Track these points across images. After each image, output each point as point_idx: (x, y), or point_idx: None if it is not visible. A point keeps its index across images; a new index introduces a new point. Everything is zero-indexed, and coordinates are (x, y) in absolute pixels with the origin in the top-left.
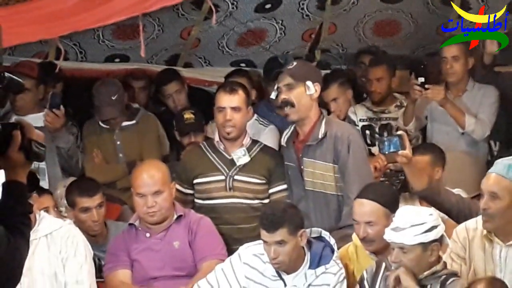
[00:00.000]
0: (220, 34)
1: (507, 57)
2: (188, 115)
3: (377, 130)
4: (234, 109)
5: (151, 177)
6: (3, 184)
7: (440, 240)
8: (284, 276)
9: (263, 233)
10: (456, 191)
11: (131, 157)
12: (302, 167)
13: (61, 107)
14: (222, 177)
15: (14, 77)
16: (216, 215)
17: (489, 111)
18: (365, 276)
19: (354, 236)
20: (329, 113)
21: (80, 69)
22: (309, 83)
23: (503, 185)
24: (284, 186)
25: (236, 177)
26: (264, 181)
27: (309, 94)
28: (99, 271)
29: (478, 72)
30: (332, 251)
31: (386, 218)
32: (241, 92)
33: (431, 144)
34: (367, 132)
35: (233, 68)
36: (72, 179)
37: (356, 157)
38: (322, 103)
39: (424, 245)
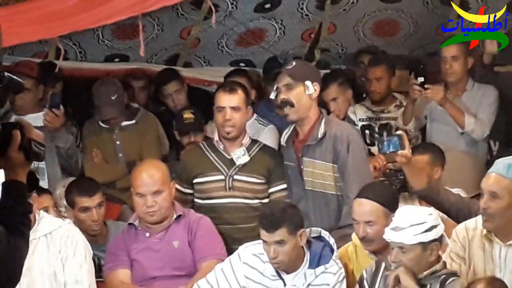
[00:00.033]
0: (220, 34)
1: (507, 57)
2: (187, 115)
3: (376, 129)
4: (234, 108)
5: (150, 176)
6: (3, 184)
7: (439, 240)
8: (284, 275)
9: (263, 232)
10: (456, 190)
11: (131, 156)
12: (301, 166)
13: (61, 106)
14: (222, 177)
15: (13, 76)
16: (216, 214)
17: (488, 111)
18: (365, 275)
19: (353, 235)
20: (328, 113)
21: (79, 69)
22: (308, 83)
23: (503, 185)
24: (284, 186)
25: (235, 176)
26: (263, 181)
27: (308, 94)
28: (98, 270)
29: (477, 72)
30: (332, 250)
31: (386, 218)
32: (240, 92)
33: (430, 143)
34: (367, 131)
35: (232, 68)
36: (71, 179)
37: (355, 156)
38: (322, 103)
39: (424, 245)
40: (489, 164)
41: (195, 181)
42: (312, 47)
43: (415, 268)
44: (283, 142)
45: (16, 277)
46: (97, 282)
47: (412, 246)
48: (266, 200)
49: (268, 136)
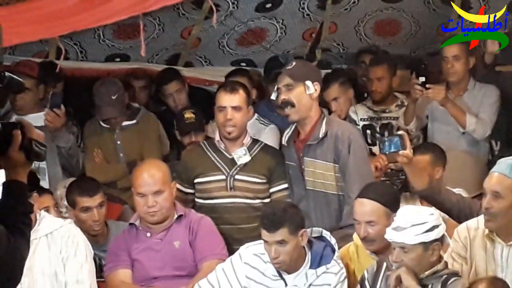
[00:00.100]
0: (221, 34)
1: (508, 57)
2: (188, 115)
3: (378, 129)
4: (235, 108)
5: (151, 176)
6: (4, 184)
7: (441, 240)
8: (285, 275)
9: (264, 232)
10: (457, 190)
11: (132, 156)
12: (303, 166)
13: (62, 106)
14: (223, 177)
15: (14, 76)
16: (217, 215)
17: (490, 110)
18: (366, 276)
19: (355, 235)
20: (330, 112)
21: (80, 69)
22: (308, 82)
23: (506, 185)
24: (285, 185)
25: (236, 176)
26: (264, 181)
27: (309, 94)
28: (99, 270)
29: (479, 71)
30: (333, 250)
31: (387, 218)
32: (241, 92)
33: (431, 143)
34: (368, 131)
35: (233, 68)
36: (72, 179)
37: (356, 156)
38: (323, 103)
39: (425, 245)
40: (490, 164)
41: (196, 181)
42: (313, 46)
43: (417, 268)
44: (284, 142)
45: (17, 277)
46: (98, 282)
47: (413, 246)
48: (267, 200)
49: (269, 136)
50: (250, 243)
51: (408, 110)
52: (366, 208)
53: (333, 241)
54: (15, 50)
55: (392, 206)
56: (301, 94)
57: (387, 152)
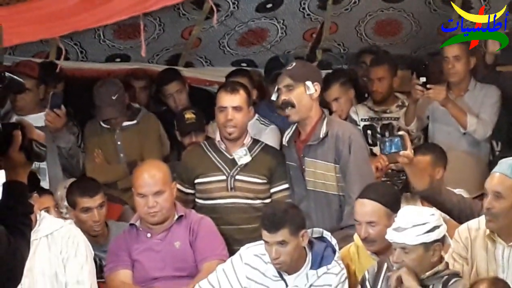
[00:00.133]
0: (221, 34)
1: (509, 57)
2: (189, 115)
3: (378, 130)
4: (236, 108)
5: (152, 177)
6: (4, 184)
7: (442, 240)
8: (286, 276)
9: (264, 233)
10: (458, 191)
11: (132, 157)
12: (303, 167)
13: (62, 107)
14: (223, 177)
15: (14, 77)
16: (217, 215)
17: (490, 111)
18: (367, 276)
19: (355, 236)
20: (330, 113)
21: (81, 69)
22: (308, 83)
23: (507, 185)
24: (286, 186)
25: (237, 177)
26: (265, 181)
27: (309, 94)
28: (100, 271)
29: (480, 71)
30: (334, 251)
31: (388, 218)
32: (242, 92)
33: (432, 144)
34: (369, 132)
35: (234, 68)
36: (72, 180)
37: (357, 156)
38: (324, 103)
39: (426, 245)
40: (491, 164)
41: (196, 181)
42: (313, 47)
43: (418, 269)
44: (285, 142)
45: (17, 278)
46: (98, 282)
47: (414, 247)
48: (268, 200)
49: (269, 136)
50: (250, 243)
51: (409, 111)
52: (367, 209)
53: (333, 241)
54: (16, 50)
55: (393, 206)
56: (301, 94)
57: (387, 153)
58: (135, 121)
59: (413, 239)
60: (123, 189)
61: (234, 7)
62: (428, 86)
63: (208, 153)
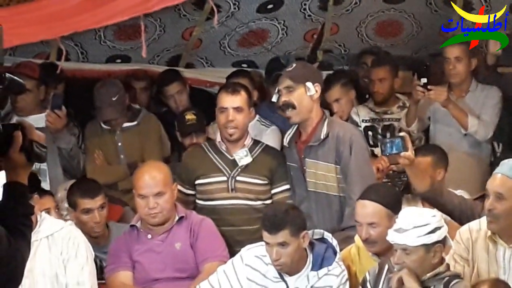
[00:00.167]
0: (222, 35)
1: (510, 58)
2: (189, 116)
3: (379, 131)
4: (236, 109)
5: (152, 178)
6: (4, 185)
7: (443, 242)
8: (286, 277)
9: (265, 234)
10: (459, 192)
11: (133, 158)
12: (304, 167)
13: (63, 107)
14: (224, 178)
15: (15, 77)
16: (218, 216)
17: (492, 112)
18: (368, 277)
19: (356, 237)
20: (331, 113)
21: (81, 70)
22: (309, 84)
23: (509, 186)
24: (287, 186)
25: (238, 178)
26: (266, 182)
27: (310, 95)
28: (100, 272)
29: (481, 73)
30: (335, 252)
31: (389, 220)
32: (243, 93)
33: (433, 145)
34: (370, 133)
35: (234, 69)
36: (72, 182)
37: (358, 157)
38: (325, 104)
39: (427, 247)
40: (492, 165)
41: (197, 182)
42: (314, 48)
43: (419, 270)
44: (285, 143)
45: (17, 279)
46: (98, 284)
47: (415, 248)
48: (269, 201)
49: (270, 137)
50: (251, 245)
51: (410, 112)
52: (368, 210)
53: (334, 243)
54: (16, 51)
55: (394, 207)
56: (302, 95)
57: (388, 154)
58: (135, 122)
59: (414, 240)
60: (124, 190)
61: (234, 8)
62: (429, 87)
63: (209, 154)
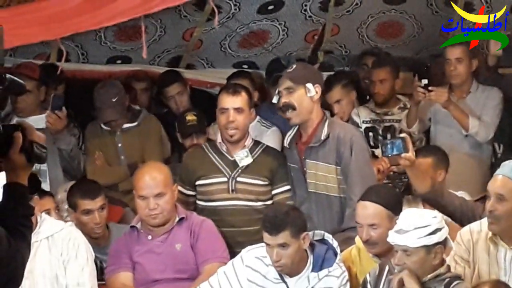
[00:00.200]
0: (223, 36)
1: (511, 59)
2: (190, 117)
3: (380, 132)
4: (237, 110)
5: (153, 179)
6: (4, 186)
7: (443, 243)
8: (287, 279)
9: (266, 235)
10: (460, 193)
11: (133, 159)
12: (305, 168)
13: (63, 108)
14: (225, 179)
15: (15, 78)
16: (218, 217)
17: (492, 113)
18: (368, 279)
19: (357, 238)
20: (332, 115)
21: (81, 71)
22: (309, 85)
23: (510, 187)
24: (288, 187)
25: (238, 178)
26: (267, 183)
27: (310, 96)
28: (100, 273)
29: (482, 74)
30: (335, 254)
31: (389, 221)
32: (244, 94)
33: (433, 146)
34: (370, 134)
35: (235, 70)
36: (72, 183)
37: (358, 158)
38: (326, 105)
39: (428, 248)
40: (493, 166)
41: (197, 183)
42: (315, 49)
43: (419, 271)
44: (286, 144)
45: (18, 279)
46: (99, 285)
47: (416, 249)
48: (269, 202)
49: (271, 138)
50: (251, 246)
51: (411, 113)
52: (368, 211)
53: (335, 244)
54: (16, 52)
55: (395, 209)
56: (302, 97)
57: (389, 155)
58: (136, 123)
59: (415, 241)
60: (124, 191)
61: (235, 9)
62: (430, 88)
63: (209, 154)
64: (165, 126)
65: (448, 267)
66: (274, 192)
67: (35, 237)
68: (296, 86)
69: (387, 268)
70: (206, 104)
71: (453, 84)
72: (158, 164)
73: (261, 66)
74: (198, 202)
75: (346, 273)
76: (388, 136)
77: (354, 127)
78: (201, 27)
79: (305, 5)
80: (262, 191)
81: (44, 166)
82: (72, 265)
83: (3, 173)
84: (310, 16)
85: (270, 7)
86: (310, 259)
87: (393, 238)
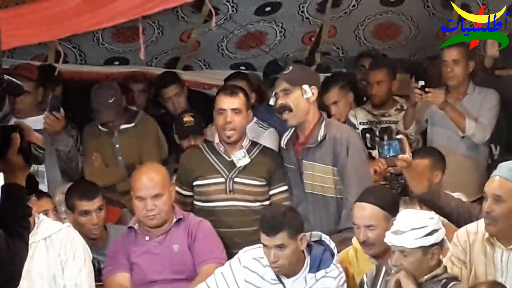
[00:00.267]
0: (220, 37)
1: (508, 61)
2: (187, 118)
3: (377, 133)
4: (235, 111)
5: (150, 180)
6: (2, 187)
7: (440, 244)
8: (284, 280)
9: (263, 236)
10: (456, 195)
11: (130, 159)
12: (301, 169)
13: (61, 109)
14: (222, 179)
15: (13, 79)
16: (216, 218)
17: (489, 114)
18: (365, 280)
19: (354, 239)
20: (329, 116)
21: (79, 72)
22: (305, 86)
23: (507, 188)
24: (285, 188)
25: (236, 179)
26: (264, 183)
27: (306, 98)
28: (98, 274)
29: (478, 75)
30: (332, 255)
31: (386, 222)
32: (241, 95)
33: (430, 147)
34: (367, 135)
35: (232, 71)
36: (70, 185)
37: (355, 159)
38: (323, 106)
39: (425, 249)
40: (490, 168)
41: (195, 183)
42: (312, 50)
43: (416, 272)
44: (283, 145)
45: (16, 280)
46: (96, 285)
47: (413, 250)
48: (267, 203)
49: (268, 139)
50: (249, 247)
51: (408, 114)
52: (365, 212)
53: (332, 245)
54: (14, 53)
55: (392, 210)
56: (298, 98)
57: (386, 156)
58: (133, 124)
59: (412, 242)
60: (122, 192)
61: (233, 10)
62: (426, 89)
63: (207, 155)
64: (162, 127)
65: (445, 268)
66: (271, 192)
67: (32, 237)
68: (293, 88)
69: (384, 269)
70: (203, 106)
71: (450, 86)
72: (156, 165)
73: (259, 68)
74: (195, 202)
75: (343, 274)
76: (385, 137)
77: (350, 128)
78: (199, 28)
79: (302, 7)
80: (259, 191)
81: (42, 167)
82: (70, 266)
83: (1, 174)
84: (307, 18)
85: (267, 9)
86: (307, 260)
87: (390, 239)
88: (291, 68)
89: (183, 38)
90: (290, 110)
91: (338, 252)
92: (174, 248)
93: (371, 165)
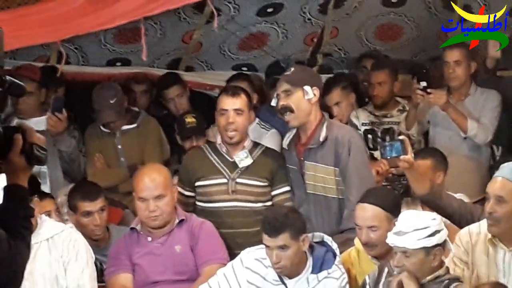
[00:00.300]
0: (222, 38)
1: (510, 62)
2: (189, 119)
3: (379, 134)
4: (237, 111)
5: (152, 181)
6: (4, 188)
7: (443, 245)
8: (286, 280)
9: (265, 237)
10: (458, 196)
11: (133, 160)
12: (303, 170)
13: (64, 110)
14: (224, 180)
15: (15, 80)
16: (218, 218)
17: (491, 115)
18: (367, 281)
19: (356, 240)
20: (331, 117)
21: (81, 73)
22: (307, 87)
23: (509, 189)
24: (287, 188)
25: (238, 180)
26: (266, 184)
27: (308, 99)
28: (100, 275)
29: (480, 76)
30: (334, 255)
31: (389, 223)
32: (243, 96)
33: (432, 148)
34: (369, 136)
35: (234, 72)
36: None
37: (356, 159)
38: (325, 107)
39: (427, 250)
40: (492, 169)
41: (197, 184)
42: (314, 51)
43: (418, 273)
44: (285, 145)
45: (17, 281)
46: (99, 286)
47: (415, 251)
48: (269, 203)
49: (270, 140)
50: (251, 247)
51: (410, 115)
52: (367, 213)
53: (334, 246)
54: (16, 54)
55: (394, 211)
56: (300, 99)
57: (388, 157)
58: (135, 125)
59: (414, 243)
60: (124, 193)
61: (235, 12)
62: (428, 90)
63: (209, 155)
64: (164, 128)
65: (447, 269)
66: (273, 193)
67: (35, 238)
68: (294, 89)
69: (386, 270)
70: (205, 106)
71: (452, 87)
72: (158, 166)
73: (260, 69)
74: (197, 203)
75: (345, 275)
76: (387, 138)
77: (352, 129)
78: (201, 29)
79: (304, 8)
80: (261, 192)
81: (44, 168)
82: (72, 267)
83: (3, 175)
84: (309, 19)
85: (270, 10)
86: (310, 261)
87: (392, 240)
88: (292, 69)
89: (185, 39)
90: (292, 111)
91: (340, 253)
92: (176, 249)
93: (373, 166)
